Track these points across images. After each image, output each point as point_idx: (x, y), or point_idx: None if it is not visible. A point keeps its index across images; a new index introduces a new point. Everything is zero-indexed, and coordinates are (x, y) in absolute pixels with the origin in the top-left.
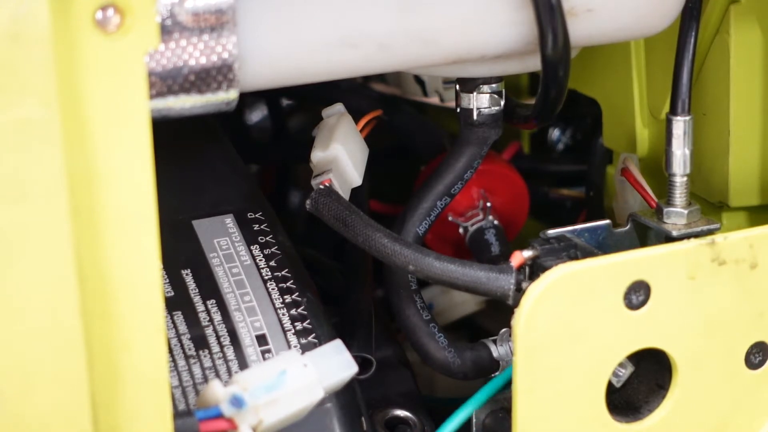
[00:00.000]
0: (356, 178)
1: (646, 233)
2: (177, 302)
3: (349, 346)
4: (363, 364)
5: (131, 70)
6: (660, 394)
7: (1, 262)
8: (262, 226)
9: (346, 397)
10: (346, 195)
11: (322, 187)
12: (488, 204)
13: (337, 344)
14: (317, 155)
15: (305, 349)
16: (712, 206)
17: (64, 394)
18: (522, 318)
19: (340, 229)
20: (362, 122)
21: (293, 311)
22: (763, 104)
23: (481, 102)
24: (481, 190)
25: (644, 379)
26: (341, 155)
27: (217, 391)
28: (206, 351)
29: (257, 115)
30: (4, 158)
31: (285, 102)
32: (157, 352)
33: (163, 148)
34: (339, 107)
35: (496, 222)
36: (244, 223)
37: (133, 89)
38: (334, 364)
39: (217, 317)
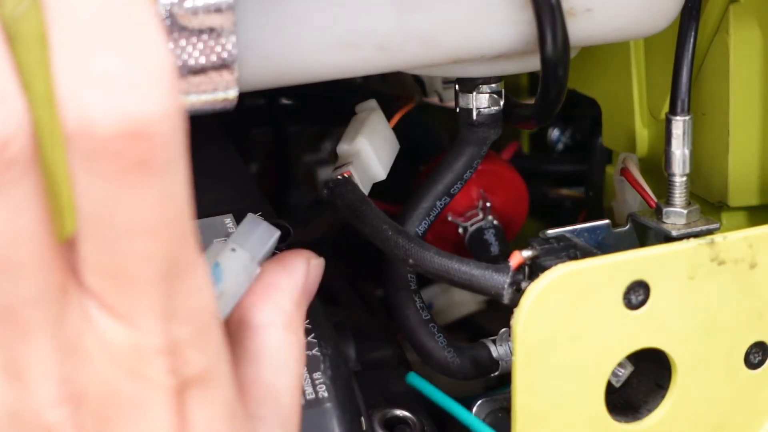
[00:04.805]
0: (380, 172)
1: (646, 233)
2: None
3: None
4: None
5: None
6: (659, 394)
7: None
8: None
9: (345, 396)
10: (367, 187)
11: (340, 177)
12: (488, 204)
13: (252, 218)
14: (342, 147)
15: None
16: (711, 206)
17: None
18: (521, 318)
19: (351, 219)
20: (396, 117)
21: None
22: (763, 104)
23: (480, 102)
24: (480, 190)
25: (644, 379)
26: (365, 149)
27: None
28: None
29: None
30: None
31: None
32: None
33: None
34: (372, 103)
35: (495, 222)
36: None
37: None
38: (257, 237)
39: None
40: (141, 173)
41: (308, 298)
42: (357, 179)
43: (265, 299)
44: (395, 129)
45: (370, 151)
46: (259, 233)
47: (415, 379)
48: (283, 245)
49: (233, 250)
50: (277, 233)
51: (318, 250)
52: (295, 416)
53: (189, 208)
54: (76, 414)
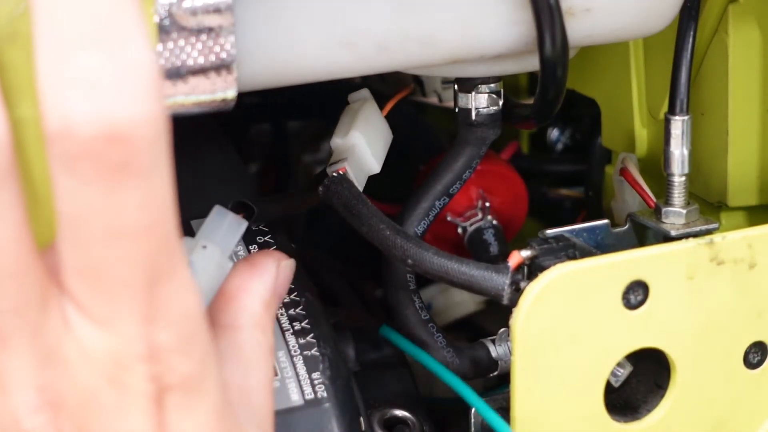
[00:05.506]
0: (374, 165)
1: (645, 233)
2: None
3: None
4: (245, 211)
5: None
6: (658, 394)
7: None
8: (260, 226)
9: (344, 397)
10: (362, 182)
11: (335, 174)
12: (487, 204)
13: (217, 210)
14: (336, 142)
15: (303, 348)
16: (710, 206)
17: None
18: (520, 317)
19: (348, 218)
20: (389, 105)
21: (291, 311)
22: (762, 104)
23: (479, 102)
24: (479, 190)
25: (643, 379)
26: (359, 143)
27: None
28: None
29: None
30: None
31: None
32: None
33: None
34: (364, 93)
35: (494, 222)
36: None
37: None
38: (225, 229)
39: None
40: (121, 176)
41: (278, 300)
42: (352, 175)
43: (235, 301)
44: (392, 127)
45: (364, 145)
46: (227, 225)
47: (386, 331)
48: (250, 222)
49: (204, 247)
50: (244, 224)
51: (317, 250)
52: (268, 416)
53: (172, 212)
54: (54, 421)
